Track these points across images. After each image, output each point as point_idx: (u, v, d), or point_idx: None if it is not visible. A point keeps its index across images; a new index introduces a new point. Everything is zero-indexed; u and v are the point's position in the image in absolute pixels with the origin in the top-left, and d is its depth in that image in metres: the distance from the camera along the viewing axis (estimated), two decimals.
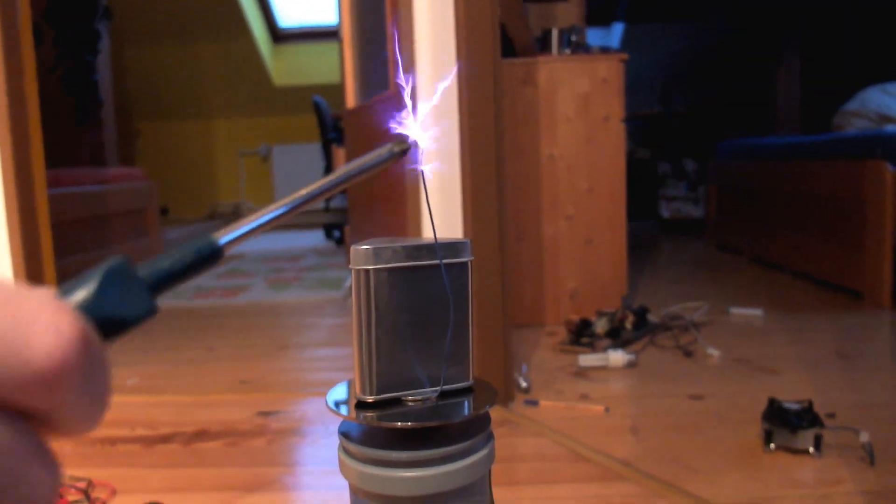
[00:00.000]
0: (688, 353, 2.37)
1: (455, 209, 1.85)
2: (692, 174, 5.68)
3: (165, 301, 3.51)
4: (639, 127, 5.95)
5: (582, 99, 2.64)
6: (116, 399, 2.08)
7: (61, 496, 1.38)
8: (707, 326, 2.71)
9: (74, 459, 1.68)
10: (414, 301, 0.55)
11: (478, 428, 0.56)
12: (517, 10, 2.64)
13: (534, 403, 1.91)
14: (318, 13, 6.14)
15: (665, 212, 5.75)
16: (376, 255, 0.54)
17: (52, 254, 2.23)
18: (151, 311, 0.29)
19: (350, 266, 0.55)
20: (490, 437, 0.57)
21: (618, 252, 2.77)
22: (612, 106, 2.66)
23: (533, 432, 1.74)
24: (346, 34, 2.75)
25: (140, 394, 2.14)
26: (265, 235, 6.16)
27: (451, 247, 0.57)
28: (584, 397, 1.99)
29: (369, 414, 0.54)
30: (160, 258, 0.31)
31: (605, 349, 2.35)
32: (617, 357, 2.26)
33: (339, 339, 2.67)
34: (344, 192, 4.10)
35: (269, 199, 6.73)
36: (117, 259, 0.28)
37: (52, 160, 3.88)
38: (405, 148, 0.44)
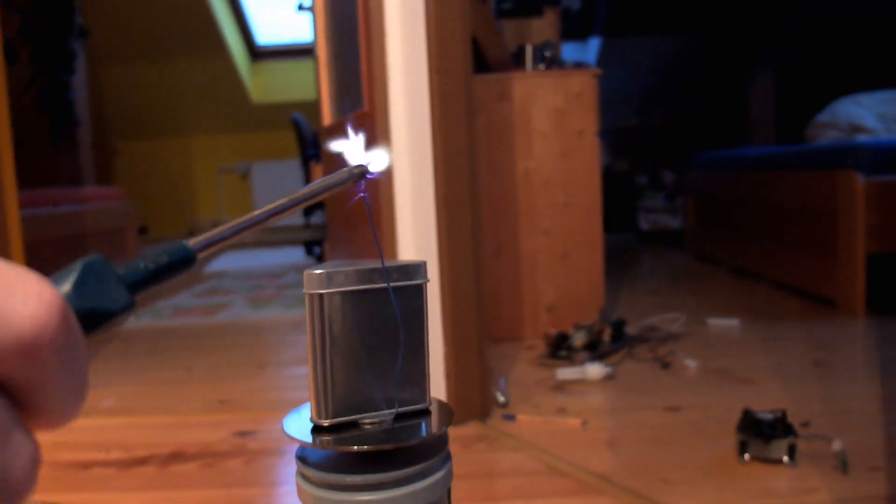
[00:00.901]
0: (665, 365, 2.39)
1: (429, 226, 1.85)
2: (670, 185, 5.74)
3: (143, 321, 3.49)
4: (617, 139, 6.00)
5: (556, 113, 2.66)
6: (91, 422, 2.06)
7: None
8: (685, 337, 2.73)
9: (48, 484, 1.66)
10: (368, 324, 0.56)
11: (434, 449, 0.56)
12: (490, 26, 2.67)
13: (511, 418, 1.91)
14: (295, 31, 6.15)
15: (643, 223, 5.80)
16: (328, 279, 0.55)
17: None
18: (129, 305, 0.30)
19: (304, 290, 0.55)
20: (447, 457, 0.58)
21: (595, 265, 2.79)
22: (587, 120, 2.69)
23: (511, 447, 1.74)
24: (321, 51, 2.76)
25: (116, 415, 2.12)
26: (245, 253, 6.13)
27: (403, 269, 0.57)
28: (562, 411, 1.99)
29: (325, 438, 0.55)
30: (136, 261, 0.32)
31: (582, 362, 2.36)
32: (594, 370, 2.27)
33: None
34: (322, 208, 4.10)
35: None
36: (95, 256, 0.29)
37: (28, 180, 3.85)
38: (362, 171, 0.47)
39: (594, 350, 2.51)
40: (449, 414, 0.60)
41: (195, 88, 6.30)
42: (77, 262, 0.29)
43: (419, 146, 1.85)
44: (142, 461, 1.76)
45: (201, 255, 0.35)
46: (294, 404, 0.54)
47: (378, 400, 0.58)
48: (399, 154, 1.92)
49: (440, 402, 0.62)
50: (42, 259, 3.52)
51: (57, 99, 4.32)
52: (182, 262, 0.34)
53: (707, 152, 4.78)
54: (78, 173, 4.53)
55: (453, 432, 1.83)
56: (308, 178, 4.89)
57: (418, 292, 0.58)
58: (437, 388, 1.89)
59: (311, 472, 0.56)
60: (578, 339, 2.53)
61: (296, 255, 5.75)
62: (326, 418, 0.56)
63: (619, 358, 2.49)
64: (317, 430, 0.57)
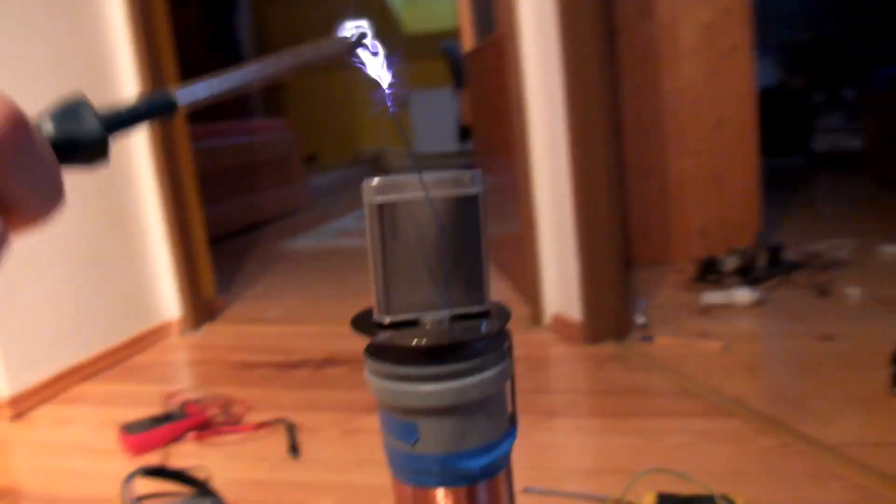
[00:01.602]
0: (823, 293, 2.25)
1: (561, 149, 1.84)
2: (851, 104, 5.18)
3: (310, 241, 3.76)
4: (790, 55, 5.49)
5: (705, 30, 2.50)
6: (258, 328, 2.29)
7: (203, 409, 1.57)
8: (851, 265, 2.53)
9: (217, 379, 1.89)
10: (423, 232, 0.60)
11: (489, 347, 0.60)
12: None
13: (649, 339, 1.90)
14: None
15: (819, 145, 5.31)
16: (382, 189, 0.59)
17: (199, 201, 2.46)
18: (101, 138, 0.32)
19: (363, 200, 0.60)
20: (504, 356, 0.61)
21: (750, 187, 2.63)
22: (740, 35, 2.50)
23: (643, 367, 1.74)
24: None
25: (280, 324, 2.34)
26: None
27: (458, 180, 0.60)
28: (703, 335, 1.95)
29: (386, 334, 0.60)
30: (120, 105, 0.34)
31: (731, 287, 2.27)
32: (743, 295, 2.18)
33: None
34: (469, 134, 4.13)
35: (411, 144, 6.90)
36: (78, 95, 0.32)
37: (201, 115, 4.20)
38: (357, 39, 0.47)
39: (746, 275, 2.40)
40: (506, 316, 0.63)
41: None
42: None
43: (549, 67, 1.82)
44: (298, 364, 1.94)
45: (184, 106, 0.36)
46: None
47: (437, 301, 0.62)
48: (530, 76, 1.91)
49: (501, 307, 0.66)
50: (216, 187, 3.86)
51: (224, 39, 4.61)
52: (162, 108, 0.35)
53: (890, 68, 4.27)
54: (247, 107, 4.87)
55: (587, 350, 1.85)
56: (459, 106, 4.93)
57: (472, 202, 0.61)
58: (572, 307, 1.92)
59: (374, 364, 0.62)
60: (730, 263, 2.43)
61: None
62: (386, 316, 0.62)
63: (773, 284, 2.37)
64: (380, 327, 0.63)
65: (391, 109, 0.53)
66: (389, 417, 0.64)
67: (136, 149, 2.21)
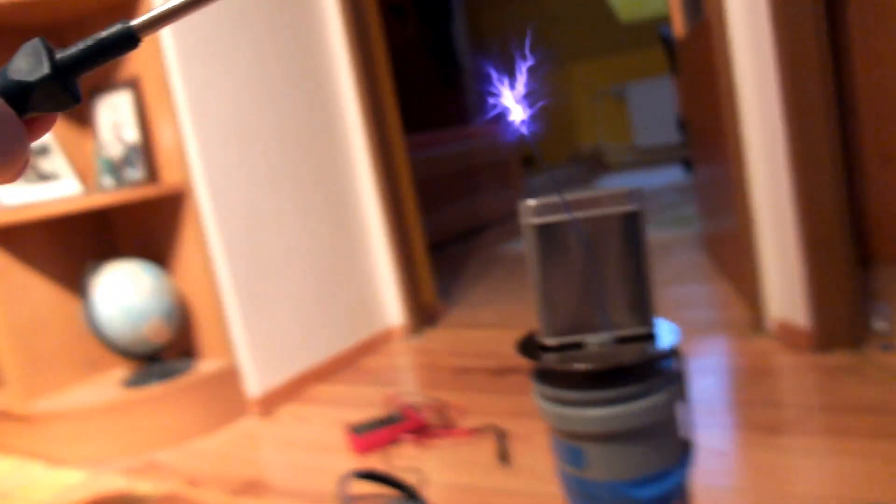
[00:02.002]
0: None
1: (776, 136, 1.70)
2: None
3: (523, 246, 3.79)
4: None
5: None
6: (474, 333, 2.37)
7: (420, 413, 1.66)
8: None
9: (434, 383, 1.98)
10: (583, 251, 0.59)
11: (653, 371, 0.58)
12: None
13: (890, 348, 1.69)
14: None
15: None
16: (539, 209, 0.59)
17: (417, 209, 2.60)
18: (47, 76, 0.32)
19: (521, 221, 0.61)
20: (673, 379, 0.59)
21: None
22: None
23: (882, 380, 1.56)
24: None
25: (494, 329, 2.40)
26: (625, 174, 6.19)
27: (615, 197, 0.59)
28: None
29: (550, 356, 0.61)
30: (79, 43, 0.33)
31: None
32: None
33: (684, 278, 2.64)
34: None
35: (628, 138, 6.71)
36: (35, 39, 0.33)
37: (423, 123, 4.41)
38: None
39: None
40: (675, 337, 0.60)
41: (566, 17, 6.44)
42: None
43: (760, 48, 1.69)
44: (511, 370, 1.98)
45: (144, 34, 0.34)
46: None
47: (600, 322, 0.61)
48: (740, 60, 1.78)
49: (671, 327, 0.63)
50: (435, 194, 4.05)
51: (442, 48, 4.80)
52: (120, 40, 0.34)
53: None
54: (465, 113, 5.04)
55: (816, 360, 1.69)
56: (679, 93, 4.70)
57: (632, 219, 0.59)
58: (797, 311, 1.76)
59: (540, 388, 0.63)
60: None
61: (674, 173, 5.62)
62: (550, 338, 0.62)
63: None
64: (545, 348, 0.63)
65: (526, 132, 0.54)
66: (558, 441, 0.64)
67: (357, 163, 2.40)
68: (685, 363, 0.62)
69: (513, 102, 0.52)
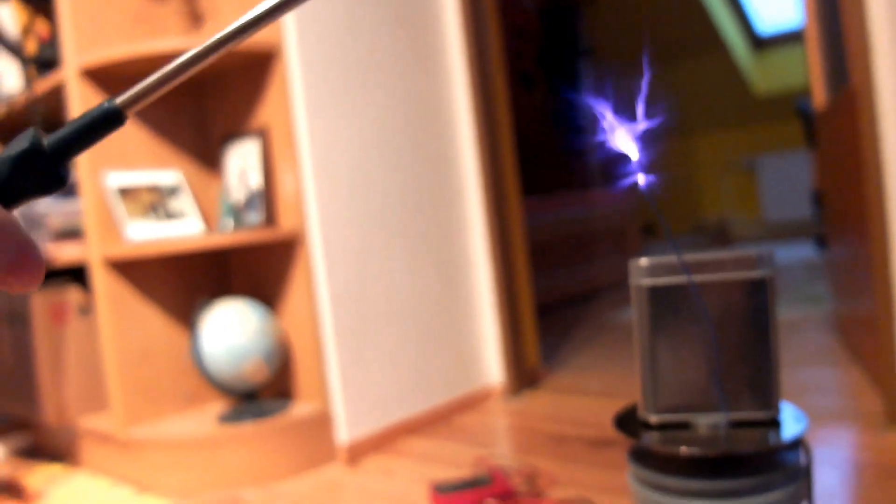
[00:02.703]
0: None
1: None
2: None
3: (630, 315, 3.65)
4: None
5: None
6: (576, 400, 2.26)
7: (509, 477, 1.57)
8: None
9: (528, 448, 1.89)
10: (700, 319, 0.52)
11: (773, 464, 0.49)
12: None
13: None
14: (797, 13, 5.65)
15: None
16: (653, 269, 0.53)
17: (528, 271, 2.55)
18: (28, 152, 0.32)
19: (630, 281, 0.55)
20: (796, 476, 0.50)
21: None
22: None
23: None
24: (811, 28, 2.51)
25: (597, 397, 2.28)
26: (757, 246, 5.88)
27: (743, 260, 0.52)
28: None
29: (652, 435, 0.53)
30: (65, 126, 0.33)
31: None
32: None
33: (811, 360, 2.43)
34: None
35: (756, 211, 6.41)
36: (29, 129, 0.33)
37: (545, 187, 4.38)
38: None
39: None
40: (802, 428, 0.52)
41: (697, 87, 6.29)
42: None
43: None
44: (610, 442, 1.86)
45: (129, 111, 0.34)
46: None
47: (714, 402, 0.53)
48: (888, 133, 1.64)
49: (797, 414, 0.54)
50: (550, 257, 3.98)
51: (566, 115, 4.81)
52: (104, 118, 0.33)
53: None
54: (587, 179, 4.98)
55: None
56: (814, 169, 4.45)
57: (761, 287, 0.52)
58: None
59: (636, 469, 0.55)
60: None
61: (804, 249, 5.30)
62: (653, 414, 0.54)
63: None
64: (646, 426, 0.55)
65: (641, 181, 0.48)
66: None
67: (472, 222, 2.38)
68: (811, 457, 0.53)
69: (628, 142, 0.47)
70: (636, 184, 0.50)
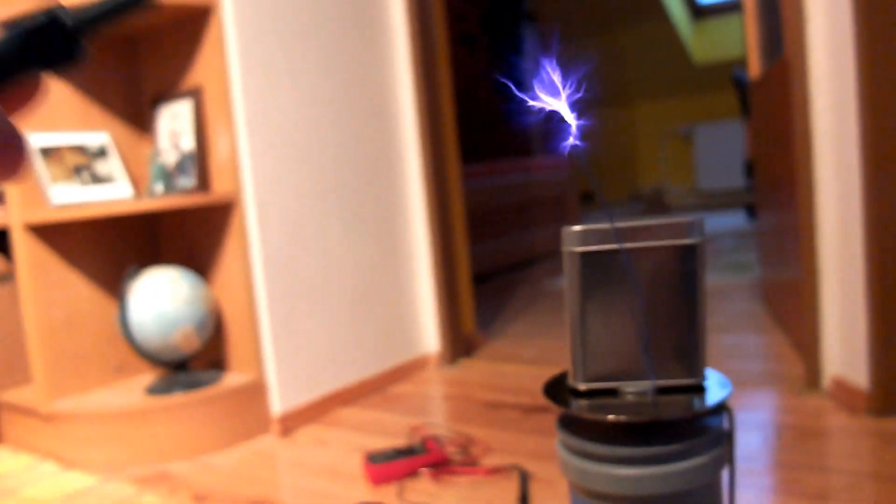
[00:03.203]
0: None
1: (851, 189, 1.59)
2: None
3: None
4: None
5: None
6: (512, 368, 2.28)
7: (443, 446, 1.58)
8: None
9: (462, 416, 1.90)
10: (631, 286, 0.51)
11: (699, 430, 0.49)
12: None
13: None
14: None
15: None
16: (584, 236, 0.52)
17: (465, 238, 2.54)
18: (50, 19, 0.31)
19: (562, 248, 0.54)
20: (719, 440, 0.50)
21: None
22: None
23: None
24: (749, 1, 2.54)
25: (532, 365, 2.31)
26: (691, 215, 6.03)
27: (674, 227, 0.51)
28: None
29: (580, 403, 0.53)
30: (92, 4, 0.33)
31: None
32: None
33: (738, 327, 2.50)
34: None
35: (691, 180, 6.55)
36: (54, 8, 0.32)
37: (485, 153, 4.37)
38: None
39: None
40: (725, 391, 0.52)
41: (637, 56, 6.36)
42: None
43: (842, 93, 1.59)
44: (544, 409, 1.89)
45: None
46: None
47: (642, 369, 0.53)
48: (818, 103, 1.68)
49: (721, 380, 0.55)
50: (488, 224, 3.98)
51: (509, 79, 4.79)
52: (132, 3, 0.33)
53: None
54: (528, 145, 4.99)
55: (873, 424, 1.55)
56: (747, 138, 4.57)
57: (689, 254, 0.51)
58: (856, 369, 1.63)
59: (564, 437, 0.55)
60: None
61: (736, 218, 5.45)
62: (582, 382, 0.54)
63: None
64: (575, 393, 0.55)
65: (575, 146, 0.47)
66: (578, 499, 0.56)
67: (410, 187, 2.35)
68: (734, 422, 0.53)
69: (565, 109, 0.46)
70: (573, 151, 0.49)
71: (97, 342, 1.95)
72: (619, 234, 0.52)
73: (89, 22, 0.32)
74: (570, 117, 0.46)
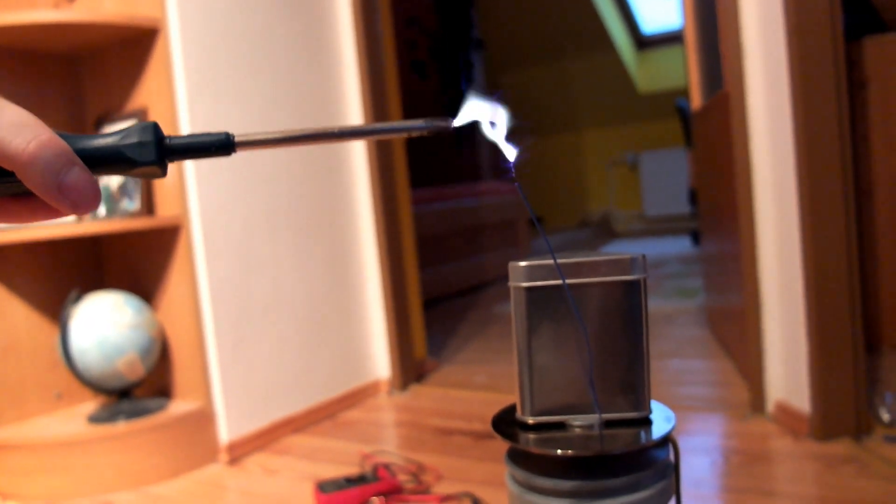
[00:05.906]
0: None
1: (791, 219, 1.64)
2: None
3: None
4: None
5: None
6: (463, 394, 2.28)
7: (394, 474, 1.57)
8: None
9: (414, 443, 1.89)
10: (577, 321, 0.52)
11: (645, 463, 0.50)
12: None
13: (894, 440, 1.60)
14: (677, 14, 5.92)
15: None
16: (531, 272, 0.53)
17: (416, 263, 2.54)
18: (154, 161, 0.37)
19: (509, 283, 0.55)
20: (664, 474, 0.52)
21: None
22: None
23: (886, 475, 1.46)
24: (689, 33, 2.63)
25: (483, 391, 2.31)
26: (630, 242, 6.16)
27: (617, 263, 0.52)
28: None
29: (529, 436, 0.53)
30: (189, 135, 0.38)
31: None
32: None
33: (684, 352, 2.56)
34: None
35: (637, 206, 6.69)
36: (152, 123, 0.37)
37: (437, 178, 4.39)
38: (442, 126, 0.44)
39: None
40: (669, 424, 0.53)
41: (584, 84, 6.49)
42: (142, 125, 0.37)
43: (779, 125, 1.65)
44: (496, 436, 1.88)
45: (240, 149, 0.40)
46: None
47: (588, 402, 0.54)
48: (758, 135, 1.74)
49: (666, 412, 0.56)
50: (438, 248, 3.99)
51: (458, 105, 4.85)
52: (220, 145, 0.39)
53: None
54: (478, 170, 5.04)
55: (815, 448, 1.60)
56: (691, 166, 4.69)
57: (633, 289, 0.53)
58: (799, 395, 1.68)
59: (512, 470, 0.55)
60: None
61: (681, 244, 5.58)
62: (529, 415, 0.54)
63: None
64: (523, 427, 0.55)
65: (515, 178, 0.48)
66: None
67: (360, 213, 2.35)
68: (679, 454, 0.54)
69: (504, 137, 0.47)
70: (513, 182, 0.50)
71: (37, 369, 1.89)
72: (563, 270, 0.53)
73: (181, 151, 0.38)
74: (507, 149, 0.47)
